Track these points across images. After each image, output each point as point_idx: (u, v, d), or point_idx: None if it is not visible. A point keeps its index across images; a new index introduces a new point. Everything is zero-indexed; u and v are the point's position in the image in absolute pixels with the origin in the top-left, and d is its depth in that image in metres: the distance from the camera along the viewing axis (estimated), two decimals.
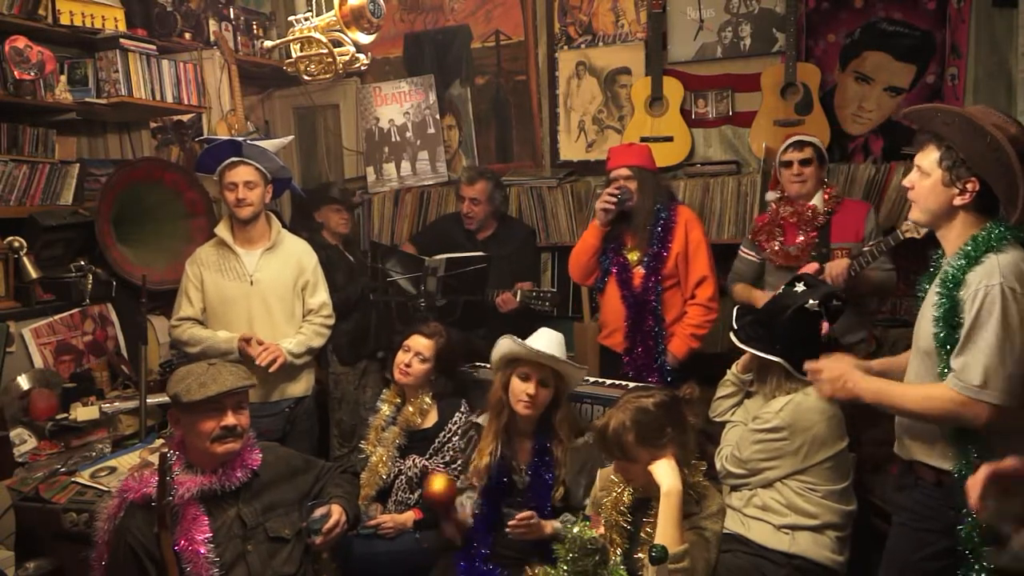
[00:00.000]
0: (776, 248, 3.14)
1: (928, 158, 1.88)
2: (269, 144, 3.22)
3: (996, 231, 1.82)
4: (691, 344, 3.19)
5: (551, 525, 2.39)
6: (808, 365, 2.04)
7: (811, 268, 2.89)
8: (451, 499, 2.45)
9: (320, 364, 3.62)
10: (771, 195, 3.27)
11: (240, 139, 3.18)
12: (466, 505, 2.63)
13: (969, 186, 1.83)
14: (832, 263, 2.93)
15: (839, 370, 1.97)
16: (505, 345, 2.54)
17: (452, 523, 2.49)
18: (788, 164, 3.12)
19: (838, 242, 3.03)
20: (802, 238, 3.07)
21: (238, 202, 3.03)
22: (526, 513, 2.33)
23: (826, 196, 3.09)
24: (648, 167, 3.26)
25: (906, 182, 1.96)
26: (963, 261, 1.83)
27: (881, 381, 1.95)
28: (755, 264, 3.27)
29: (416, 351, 2.80)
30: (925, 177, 1.88)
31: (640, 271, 3.23)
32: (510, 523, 2.33)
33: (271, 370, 2.97)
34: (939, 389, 1.82)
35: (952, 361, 1.81)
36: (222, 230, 3.12)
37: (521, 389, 2.48)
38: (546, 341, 2.55)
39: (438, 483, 2.43)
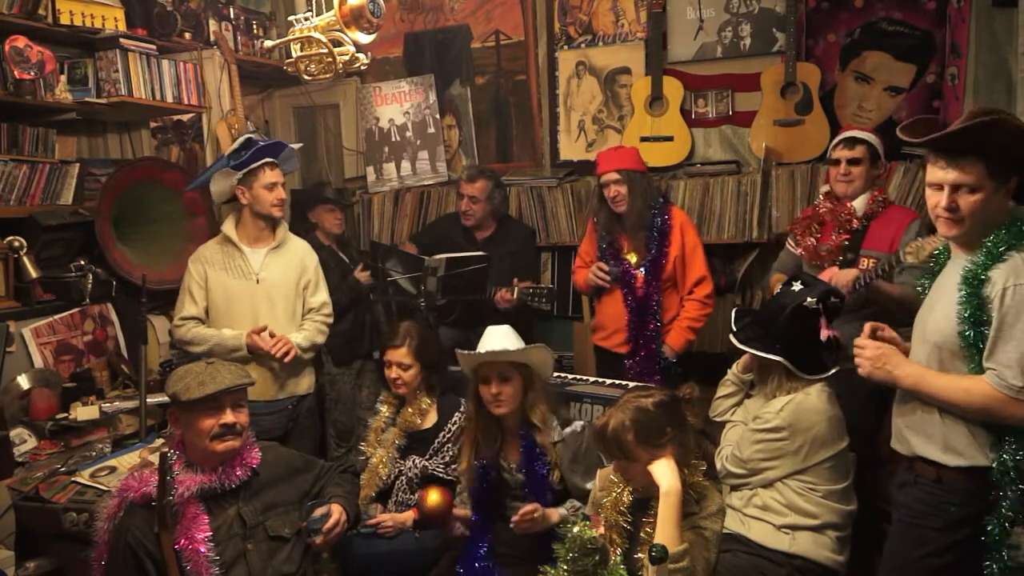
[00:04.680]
0: (809, 245, 3.01)
1: (974, 172, 1.82)
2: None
3: (1016, 229, 1.84)
4: (688, 336, 3.27)
5: (557, 513, 2.40)
6: (856, 341, 2.04)
7: (829, 273, 2.79)
8: (447, 512, 2.46)
9: (315, 363, 3.63)
10: (824, 188, 3.12)
11: (285, 143, 3.25)
12: (466, 504, 2.64)
13: (1012, 184, 1.85)
14: (840, 272, 2.78)
15: (881, 350, 1.98)
16: (460, 360, 2.59)
17: (452, 529, 2.49)
18: (836, 162, 2.96)
19: (868, 249, 2.86)
20: (834, 239, 2.93)
21: (279, 202, 3.10)
22: (530, 507, 2.34)
23: (871, 199, 2.91)
24: (637, 169, 3.29)
25: (946, 204, 1.86)
26: (985, 259, 1.84)
27: (921, 368, 1.94)
28: (796, 257, 3.12)
29: (396, 362, 2.80)
30: (972, 193, 1.83)
31: (641, 275, 3.26)
32: (514, 518, 2.33)
33: (286, 360, 2.99)
34: (980, 384, 1.82)
35: (987, 361, 1.82)
36: (229, 228, 3.13)
37: (486, 391, 2.51)
38: (491, 338, 2.56)
39: (433, 497, 2.45)
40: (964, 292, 1.85)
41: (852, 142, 2.94)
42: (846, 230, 2.92)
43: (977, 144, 1.81)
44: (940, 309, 1.94)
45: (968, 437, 1.88)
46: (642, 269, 3.27)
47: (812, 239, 3.01)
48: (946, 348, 1.91)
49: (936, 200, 1.89)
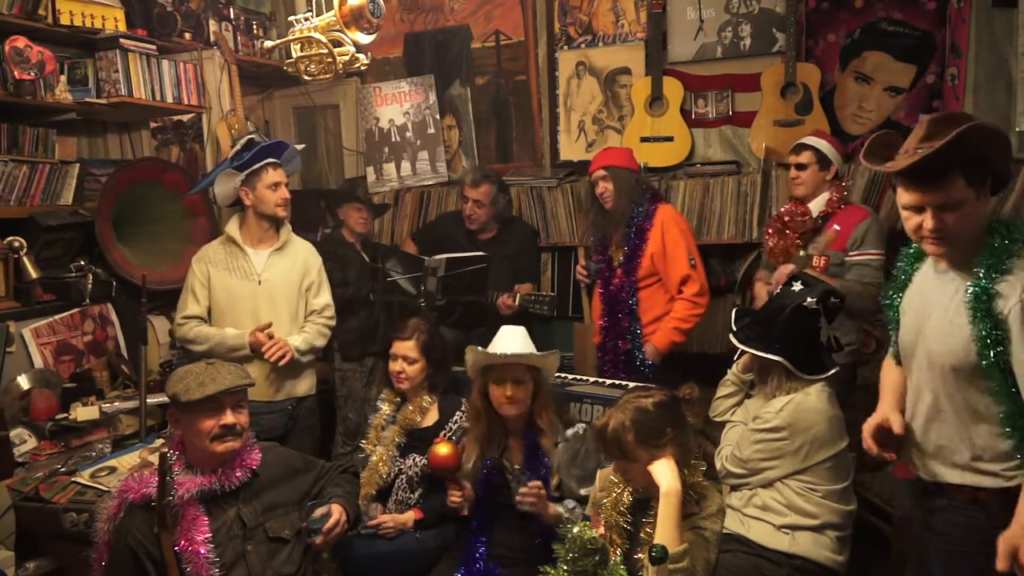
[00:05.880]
0: (767, 245, 3.21)
1: (956, 188, 1.72)
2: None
3: (1004, 232, 1.76)
4: (674, 338, 3.25)
5: (554, 507, 2.40)
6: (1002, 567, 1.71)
7: (784, 270, 2.96)
8: (455, 465, 2.45)
9: (324, 359, 3.63)
10: None
11: (287, 142, 3.26)
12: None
13: (989, 184, 1.77)
14: (781, 268, 3.00)
15: (1009, 544, 1.68)
16: (472, 356, 2.58)
17: (456, 491, 2.48)
18: (788, 167, 3.18)
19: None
20: (789, 238, 3.11)
21: (284, 202, 3.11)
22: (535, 483, 2.36)
23: (829, 201, 3.07)
24: (624, 167, 3.33)
25: (933, 223, 1.75)
26: (987, 271, 1.74)
27: None
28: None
29: (402, 355, 2.81)
30: (957, 208, 1.73)
31: (620, 270, 3.29)
32: (521, 490, 2.35)
33: (281, 364, 2.99)
34: None
35: None
36: (232, 228, 3.13)
37: (499, 393, 2.52)
38: (508, 340, 2.57)
39: (442, 448, 2.44)
40: (975, 312, 1.74)
41: (799, 148, 3.15)
42: (799, 231, 3.08)
43: (954, 158, 1.69)
44: (939, 328, 1.83)
45: (1001, 455, 1.78)
46: (620, 265, 3.32)
47: (773, 239, 3.18)
48: (963, 371, 1.80)
49: (917, 222, 1.78)
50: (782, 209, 3.23)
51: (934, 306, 1.86)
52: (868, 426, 2.00)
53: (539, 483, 2.37)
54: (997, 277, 1.73)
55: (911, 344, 1.94)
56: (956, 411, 1.84)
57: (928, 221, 1.76)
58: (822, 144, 3.13)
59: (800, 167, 3.13)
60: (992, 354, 1.72)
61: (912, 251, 1.98)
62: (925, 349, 1.89)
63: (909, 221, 1.81)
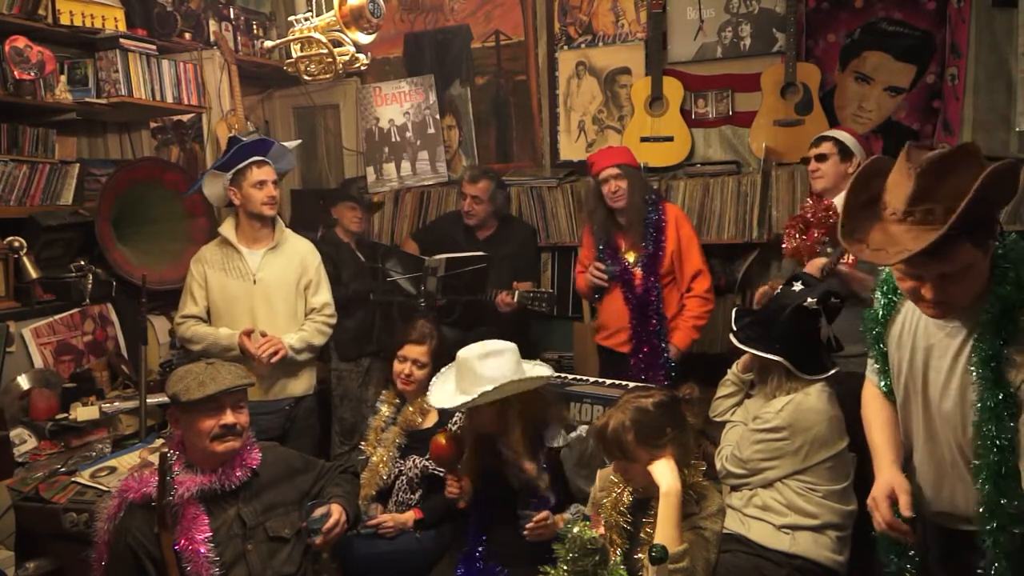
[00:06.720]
0: (790, 246, 3.07)
1: (962, 254, 1.46)
2: (288, 145, 3.30)
3: (1018, 273, 1.52)
4: (692, 336, 3.30)
5: (562, 519, 2.39)
6: None
7: (813, 266, 2.83)
8: (453, 455, 2.44)
9: (321, 359, 3.63)
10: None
11: (270, 139, 3.23)
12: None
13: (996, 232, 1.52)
14: (811, 262, 2.86)
15: None
16: (450, 404, 2.38)
17: (454, 483, 2.48)
18: (807, 160, 3.08)
19: None
20: (814, 236, 2.98)
21: (271, 200, 3.06)
22: (543, 514, 2.32)
23: None
24: (633, 165, 3.33)
25: (934, 295, 1.52)
26: (998, 330, 1.52)
27: None
28: (796, 264, 3.11)
29: (413, 359, 2.79)
30: (965, 272, 1.49)
31: (639, 272, 3.27)
32: (528, 526, 2.31)
33: (272, 361, 2.98)
34: None
35: None
36: (226, 229, 3.13)
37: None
38: (485, 367, 2.34)
39: (442, 439, 2.44)
40: (983, 380, 1.53)
41: (819, 140, 3.05)
42: (825, 226, 2.96)
43: (959, 226, 1.40)
44: (946, 385, 1.64)
45: None
46: (640, 266, 3.30)
47: (794, 240, 3.06)
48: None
49: (912, 286, 1.54)
50: (804, 207, 3.09)
51: (935, 356, 1.66)
52: (881, 507, 1.71)
53: (546, 513, 2.32)
54: (1008, 339, 1.51)
55: (908, 391, 1.76)
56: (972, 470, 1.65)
57: (928, 292, 1.52)
58: (843, 135, 3.03)
59: (820, 158, 2.99)
60: (994, 429, 1.52)
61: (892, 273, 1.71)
62: (932, 404, 1.69)
63: (904, 283, 1.57)
